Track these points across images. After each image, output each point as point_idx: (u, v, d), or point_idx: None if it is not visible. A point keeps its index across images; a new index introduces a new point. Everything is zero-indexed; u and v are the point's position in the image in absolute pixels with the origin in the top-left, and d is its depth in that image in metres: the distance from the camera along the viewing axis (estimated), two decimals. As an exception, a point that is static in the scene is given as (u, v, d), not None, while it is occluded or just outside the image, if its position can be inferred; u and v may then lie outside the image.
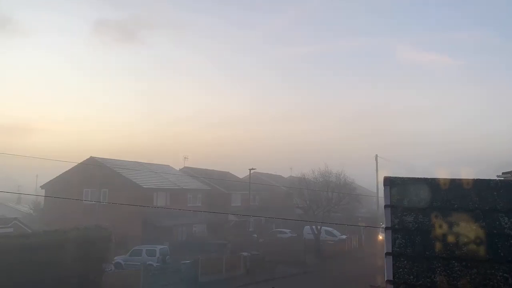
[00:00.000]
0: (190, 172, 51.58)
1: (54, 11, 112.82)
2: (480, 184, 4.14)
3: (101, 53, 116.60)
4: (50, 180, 41.83)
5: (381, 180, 4.75)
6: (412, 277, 3.30)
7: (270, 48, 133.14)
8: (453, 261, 3.35)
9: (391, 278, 3.33)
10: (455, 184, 4.18)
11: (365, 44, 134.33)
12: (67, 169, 40.83)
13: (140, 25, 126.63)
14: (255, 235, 43.35)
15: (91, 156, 40.87)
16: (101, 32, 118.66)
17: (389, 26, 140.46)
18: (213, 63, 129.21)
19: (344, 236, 43.10)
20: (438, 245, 3.50)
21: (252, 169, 47.40)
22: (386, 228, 3.81)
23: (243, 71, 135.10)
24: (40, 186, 43.81)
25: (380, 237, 40.80)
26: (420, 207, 3.94)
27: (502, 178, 10.97)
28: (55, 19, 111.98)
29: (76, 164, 39.45)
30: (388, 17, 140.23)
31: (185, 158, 56.63)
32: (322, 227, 40.86)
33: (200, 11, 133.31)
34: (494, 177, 8.73)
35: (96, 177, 38.47)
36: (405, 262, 3.42)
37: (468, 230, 3.61)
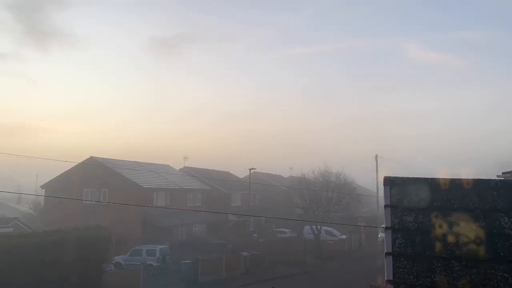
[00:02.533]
0: (190, 172, 51.56)
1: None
2: (480, 184, 4.14)
3: (118, 58, 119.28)
4: (50, 180, 41.81)
5: (381, 180, 4.76)
6: (412, 277, 3.30)
7: (272, 48, 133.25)
8: (453, 261, 3.35)
9: (391, 278, 3.33)
10: (455, 184, 4.18)
11: (366, 44, 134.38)
12: (67, 169, 40.83)
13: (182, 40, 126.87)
14: (255, 235, 43.36)
15: (91, 156, 40.85)
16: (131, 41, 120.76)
17: (395, 26, 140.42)
18: (214, 62, 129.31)
19: (344, 236, 43.10)
20: (438, 245, 3.51)
21: (252, 169, 47.44)
22: (386, 228, 3.81)
23: (243, 70, 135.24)
24: (40, 186, 43.80)
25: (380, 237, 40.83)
26: (420, 207, 3.94)
27: (502, 178, 10.97)
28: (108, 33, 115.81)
29: (76, 164, 39.44)
30: (394, 17, 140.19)
31: (185, 158, 56.77)
32: (322, 227, 40.85)
33: (213, 12, 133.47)
34: (494, 177, 8.73)
35: (96, 177, 38.46)
36: (405, 262, 3.43)
37: (468, 230, 3.61)
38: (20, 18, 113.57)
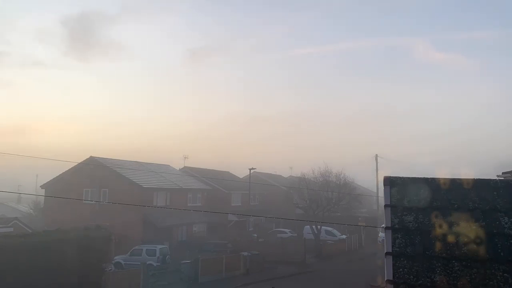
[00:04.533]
0: (190, 172, 51.55)
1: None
2: (480, 184, 4.14)
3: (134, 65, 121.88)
4: (50, 180, 41.78)
5: (381, 180, 4.76)
6: (412, 277, 3.30)
7: (275, 48, 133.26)
8: (453, 261, 3.35)
9: (391, 278, 3.33)
10: (455, 184, 4.18)
11: (372, 44, 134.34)
12: (67, 169, 40.80)
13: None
14: (255, 235, 43.36)
15: (91, 156, 40.81)
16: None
17: (402, 26, 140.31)
18: (215, 62, 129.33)
19: (344, 236, 43.11)
20: (438, 245, 3.51)
21: (252, 169, 47.41)
22: (386, 228, 3.81)
23: (244, 70, 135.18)
24: (40, 186, 43.76)
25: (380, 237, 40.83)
26: (420, 207, 3.94)
27: (502, 178, 10.97)
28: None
29: (76, 164, 39.42)
30: (403, 17, 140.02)
31: (185, 158, 56.75)
32: (322, 227, 40.86)
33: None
34: (494, 177, 8.73)
35: (96, 177, 38.44)
36: (405, 262, 3.43)
37: (468, 230, 3.61)
38: (72, 33, 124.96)
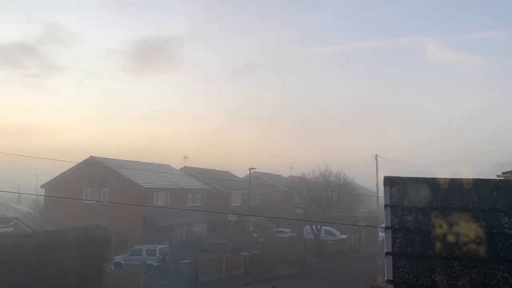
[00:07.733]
0: (190, 172, 51.57)
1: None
2: (480, 184, 4.14)
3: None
4: (50, 180, 41.79)
5: (381, 180, 4.76)
6: (412, 276, 3.30)
7: (275, 48, 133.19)
8: (453, 261, 3.35)
9: (391, 277, 3.33)
10: (455, 184, 4.18)
11: (368, 44, 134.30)
12: (67, 169, 40.81)
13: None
14: (255, 235, 43.36)
15: (91, 156, 40.82)
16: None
17: (402, 26, 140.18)
18: (215, 61, 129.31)
19: (344, 236, 43.10)
20: (438, 245, 3.51)
21: (252, 169, 47.40)
22: (386, 228, 3.81)
23: (244, 70, 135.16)
24: (40, 186, 43.78)
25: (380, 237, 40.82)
26: (420, 207, 3.94)
27: (502, 178, 10.96)
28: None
29: (76, 163, 39.43)
30: (414, 17, 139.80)
31: (185, 158, 56.74)
32: (322, 227, 40.84)
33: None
34: (494, 177, 8.72)
35: (96, 177, 38.44)
36: (405, 261, 3.43)
37: (468, 229, 3.61)
38: (138, 52, 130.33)
